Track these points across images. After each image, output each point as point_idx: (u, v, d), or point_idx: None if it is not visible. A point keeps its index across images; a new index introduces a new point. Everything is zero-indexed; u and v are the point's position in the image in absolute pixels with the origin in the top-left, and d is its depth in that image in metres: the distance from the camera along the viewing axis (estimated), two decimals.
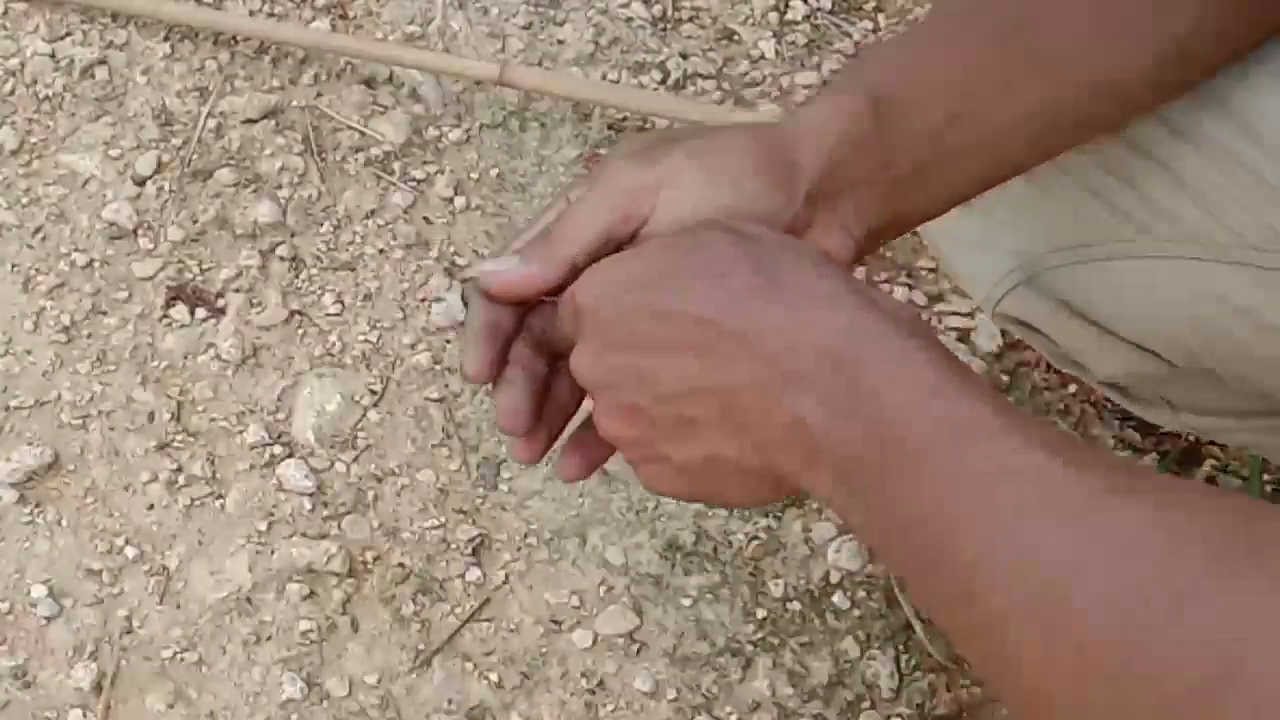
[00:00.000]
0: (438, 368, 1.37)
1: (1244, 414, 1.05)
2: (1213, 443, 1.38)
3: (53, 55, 1.51)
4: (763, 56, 1.60)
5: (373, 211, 1.45)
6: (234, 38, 1.54)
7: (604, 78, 1.56)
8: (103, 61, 1.51)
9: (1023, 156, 0.86)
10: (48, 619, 1.24)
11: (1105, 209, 0.94)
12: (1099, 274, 0.93)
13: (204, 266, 1.41)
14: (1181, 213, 0.91)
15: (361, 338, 1.38)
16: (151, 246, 1.42)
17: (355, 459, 1.32)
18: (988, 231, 1.01)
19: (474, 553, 1.29)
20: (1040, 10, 0.84)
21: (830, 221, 0.79)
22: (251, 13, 1.56)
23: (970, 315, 1.43)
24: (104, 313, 1.38)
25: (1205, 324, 0.94)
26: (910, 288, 1.45)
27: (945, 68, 0.81)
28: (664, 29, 1.60)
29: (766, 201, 0.77)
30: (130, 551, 1.27)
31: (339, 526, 1.29)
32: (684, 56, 1.58)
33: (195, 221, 1.43)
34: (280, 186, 1.46)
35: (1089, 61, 0.84)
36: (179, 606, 1.25)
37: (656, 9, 1.61)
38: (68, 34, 1.53)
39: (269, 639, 1.24)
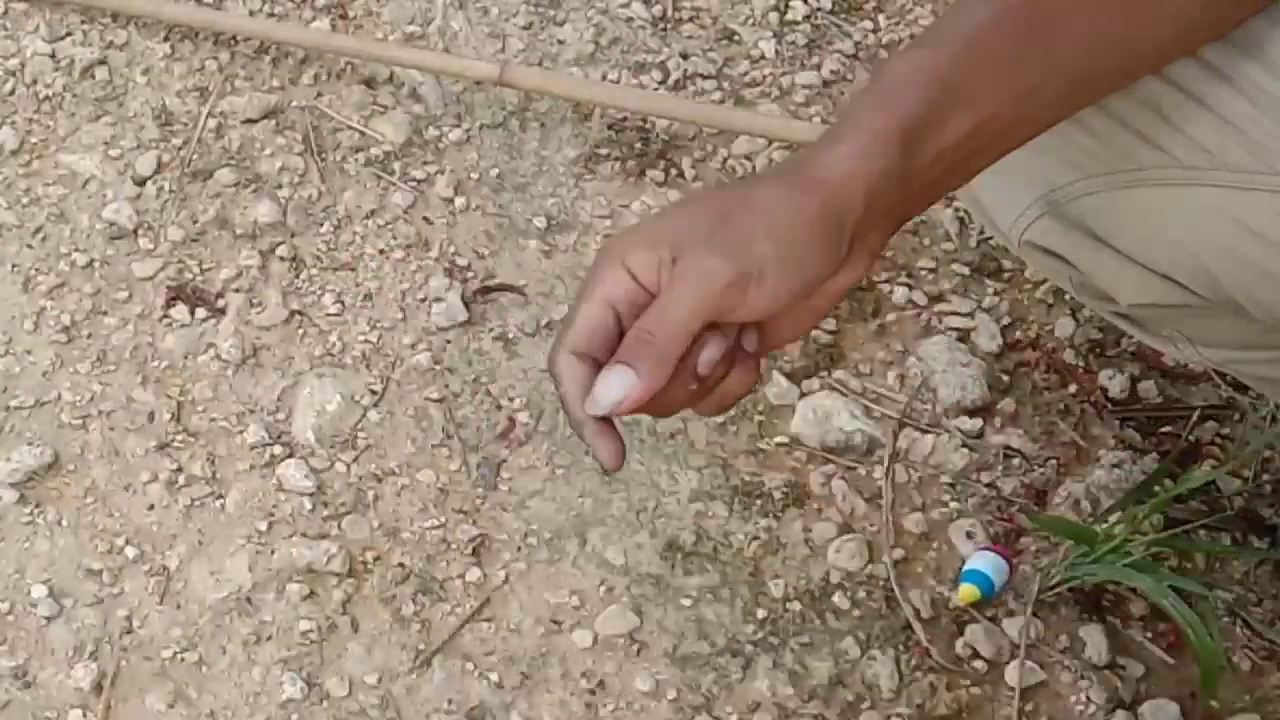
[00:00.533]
0: (438, 368, 1.37)
1: (1259, 347, 1.06)
2: (1213, 442, 1.38)
3: (53, 55, 1.51)
4: (763, 56, 1.59)
5: (373, 211, 1.45)
6: (234, 38, 1.54)
7: (604, 78, 1.56)
8: (103, 61, 1.51)
9: (1031, 137, 0.89)
10: (48, 619, 1.24)
11: (1136, 139, 0.95)
12: (1127, 200, 0.93)
13: (204, 266, 1.41)
14: (1212, 143, 0.93)
15: (361, 338, 1.38)
16: (151, 246, 1.42)
17: (355, 459, 1.32)
18: (1014, 160, 1.01)
19: (474, 553, 1.29)
20: (1058, 14, 0.85)
21: (860, 250, 0.83)
22: (251, 13, 1.56)
23: (970, 315, 1.43)
24: (104, 313, 1.38)
25: (1229, 252, 0.95)
26: (910, 287, 1.45)
27: (965, 82, 0.83)
28: (664, 29, 1.60)
29: (830, 265, 0.81)
30: (130, 551, 1.27)
31: (339, 526, 1.29)
32: (684, 56, 1.58)
33: (195, 221, 1.43)
34: (280, 186, 1.46)
35: (1106, 53, 0.87)
36: (179, 606, 1.25)
37: (656, 9, 1.61)
38: (68, 34, 1.53)
39: (269, 639, 1.24)
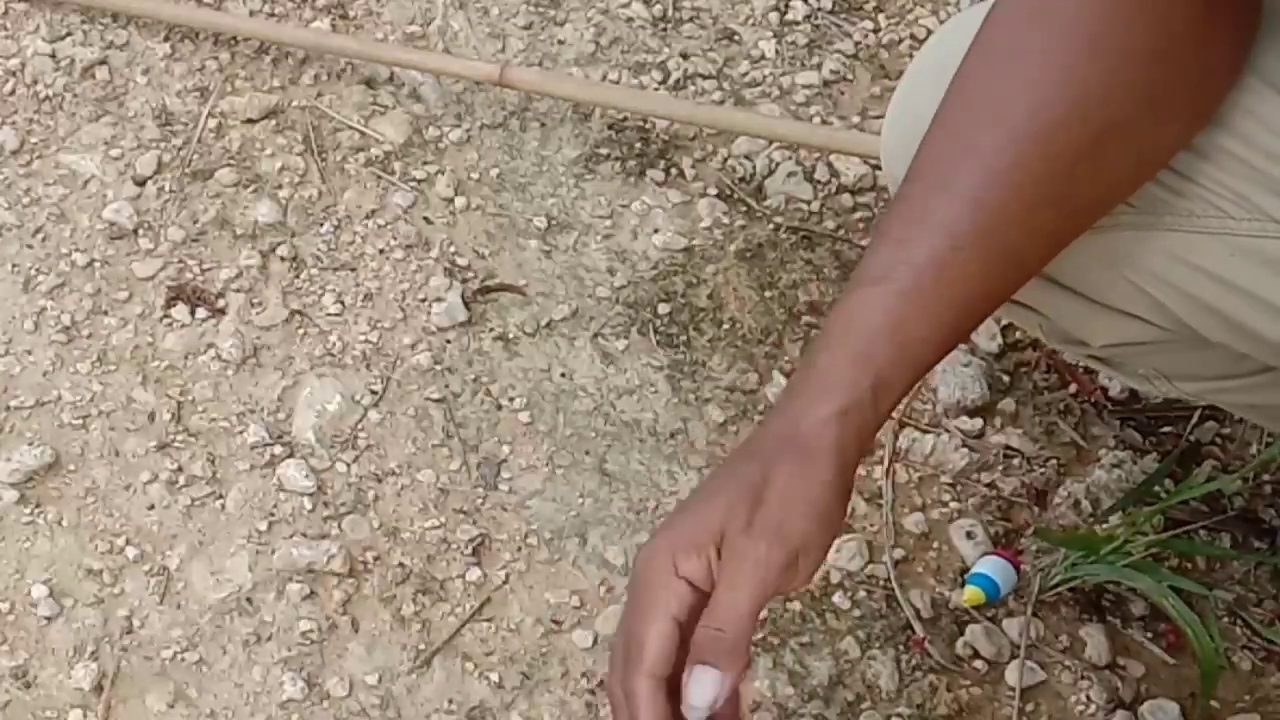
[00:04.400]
0: (438, 368, 1.37)
1: (1234, 376, 1.07)
2: (1213, 442, 1.38)
3: (53, 55, 1.51)
4: (763, 56, 1.60)
5: (373, 211, 1.45)
6: (234, 38, 1.54)
7: (604, 78, 1.56)
8: (103, 61, 1.52)
9: None
10: (48, 619, 1.24)
11: None
12: (1083, 246, 0.94)
13: (204, 266, 1.41)
14: (1164, 190, 0.94)
15: (361, 338, 1.38)
16: (152, 246, 1.42)
17: (355, 459, 1.32)
18: None
19: (474, 553, 1.29)
20: (1014, 227, 0.88)
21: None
22: (251, 13, 1.56)
23: None
24: (104, 313, 1.38)
25: (1187, 295, 0.97)
26: None
27: (916, 335, 0.87)
28: (664, 29, 1.60)
29: (846, 511, 0.87)
30: (130, 551, 1.27)
31: (339, 526, 1.29)
32: (684, 56, 1.58)
33: (195, 221, 1.43)
34: (280, 186, 1.46)
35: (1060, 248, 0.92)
36: (179, 606, 1.25)
37: (656, 9, 1.61)
38: (68, 34, 1.53)
39: (269, 639, 1.24)
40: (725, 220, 1.48)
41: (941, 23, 1.63)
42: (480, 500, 1.31)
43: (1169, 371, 1.11)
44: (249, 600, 1.25)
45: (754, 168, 1.51)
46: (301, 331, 1.39)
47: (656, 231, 1.47)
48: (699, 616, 0.84)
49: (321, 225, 1.44)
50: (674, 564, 0.84)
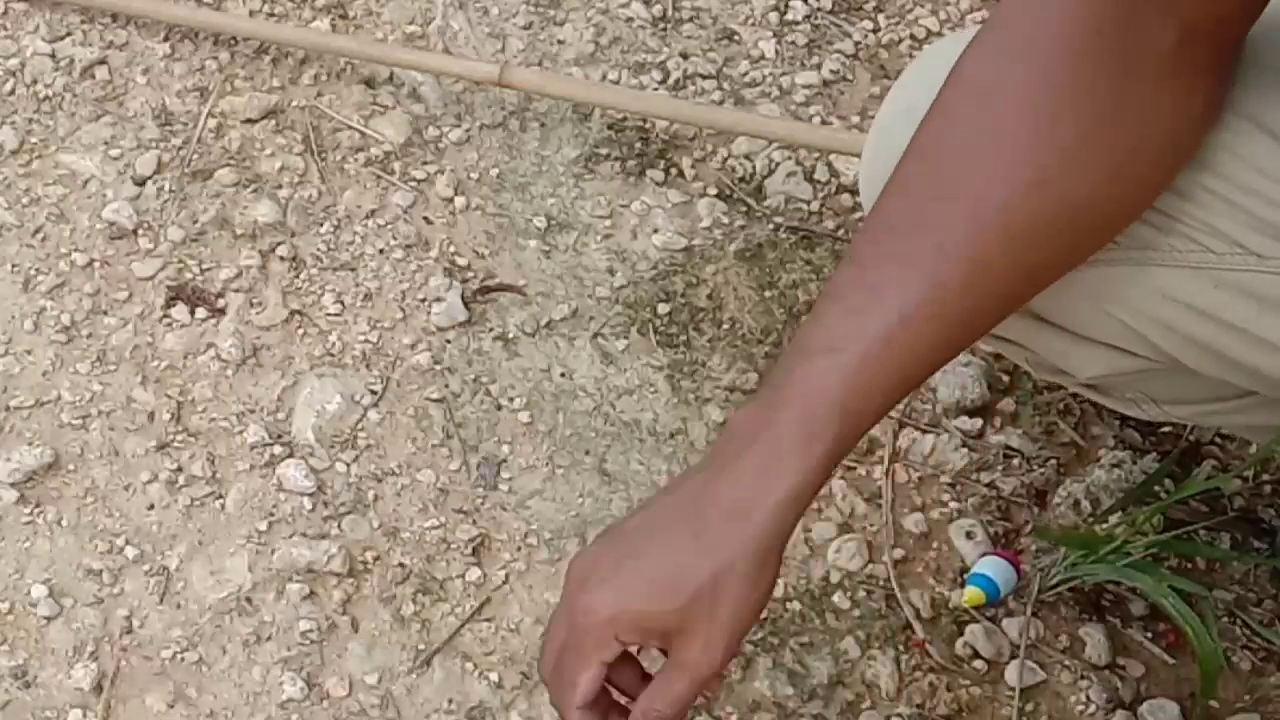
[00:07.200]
0: (438, 368, 1.37)
1: (1224, 398, 1.07)
2: (1213, 442, 1.38)
3: (53, 55, 1.51)
4: (763, 56, 1.60)
5: (373, 211, 1.45)
6: (234, 38, 1.54)
7: (604, 78, 1.56)
8: (103, 61, 1.52)
9: None
10: (48, 619, 1.24)
11: None
12: (1066, 283, 0.94)
13: (204, 266, 1.41)
14: (1148, 228, 0.95)
15: (361, 338, 1.38)
16: (151, 246, 1.42)
17: (355, 459, 1.32)
18: None
19: (474, 553, 1.29)
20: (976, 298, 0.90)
21: None
22: (251, 13, 1.56)
23: None
24: (104, 313, 1.38)
25: (1171, 329, 0.98)
26: None
27: (876, 388, 0.89)
28: (664, 29, 1.60)
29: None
30: (130, 551, 1.27)
31: (339, 526, 1.29)
32: (684, 56, 1.58)
33: (195, 221, 1.43)
34: (280, 186, 1.46)
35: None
36: (179, 606, 1.25)
37: (656, 9, 1.61)
38: (68, 34, 1.53)
39: (269, 639, 1.24)
40: (725, 220, 1.48)
41: (941, 24, 1.63)
42: (480, 500, 1.31)
43: (1157, 396, 1.12)
44: (249, 600, 1.25)
45: (754, 168, 1.51)
46: (301, 331, 1.39)
47: (656, 231, 1.47)
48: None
49: (321, 225, 1.44)
50: (615, 630, 0.90)
